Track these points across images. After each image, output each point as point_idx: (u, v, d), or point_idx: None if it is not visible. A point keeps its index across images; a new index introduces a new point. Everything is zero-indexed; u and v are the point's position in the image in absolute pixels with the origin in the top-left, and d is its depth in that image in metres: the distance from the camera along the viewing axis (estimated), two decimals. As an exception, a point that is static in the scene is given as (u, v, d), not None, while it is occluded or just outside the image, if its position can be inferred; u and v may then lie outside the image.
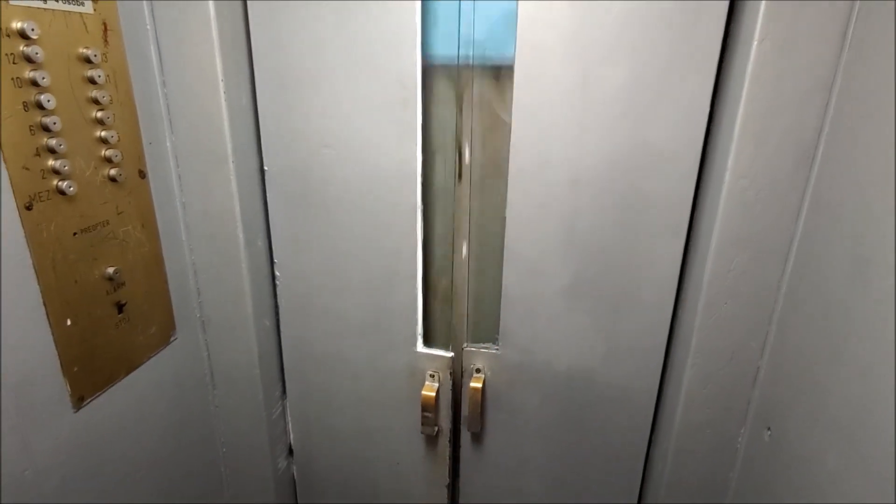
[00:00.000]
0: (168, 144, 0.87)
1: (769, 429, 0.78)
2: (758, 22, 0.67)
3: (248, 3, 0.84)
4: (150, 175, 0.83)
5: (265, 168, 0.93)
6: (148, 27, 0.81)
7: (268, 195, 0.95)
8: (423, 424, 0.97)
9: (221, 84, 0.83)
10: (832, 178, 0.69)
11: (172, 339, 0.91)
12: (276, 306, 1.02)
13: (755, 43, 0.68)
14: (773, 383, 0.80)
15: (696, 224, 0.83)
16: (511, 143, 0.82)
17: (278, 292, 1.01)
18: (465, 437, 1.03)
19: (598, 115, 0.78)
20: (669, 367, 0.92)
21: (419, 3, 0.79)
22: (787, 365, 0.76)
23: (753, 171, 0.74)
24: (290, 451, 1.14)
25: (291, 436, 1.13)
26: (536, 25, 0.76)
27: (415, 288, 0.93)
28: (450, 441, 1.02)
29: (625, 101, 0.77)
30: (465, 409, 0.99)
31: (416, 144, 0.85)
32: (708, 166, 0.80)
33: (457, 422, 1.02)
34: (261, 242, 0.97)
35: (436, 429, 0.99)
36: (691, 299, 0.84)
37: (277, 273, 0.99)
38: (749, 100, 0.71)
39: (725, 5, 0.71)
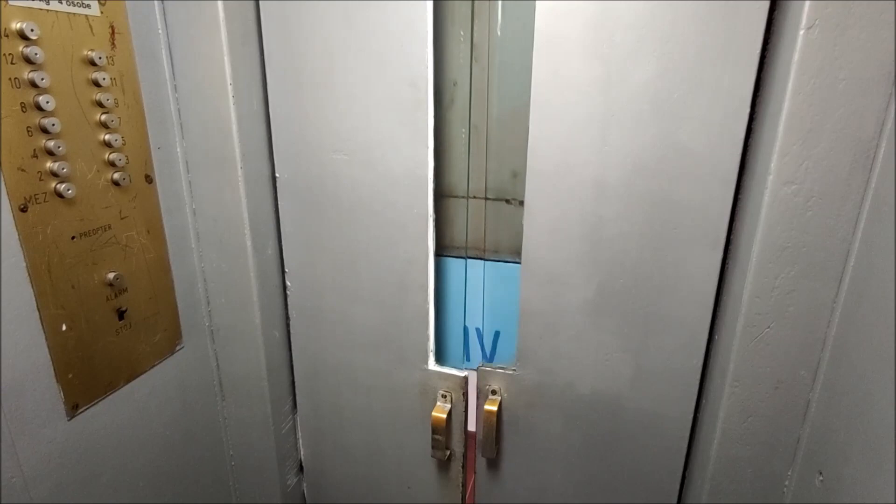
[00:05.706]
0: (178, 149, 0.86)
1: (821, 473, 0.68)
2: (805, 6, 0.59)
3: (261, 4, 0.82)
4: (158, 180, 0.82)
5: (276, 175, 0.90)
6: (160, 31, 0.81)
7: (279, 202, 0.92)
8: (433, 448, 0.91)
9: (230, 87, 0.82)
10: (897, 181, 0.59)
11: (178, 347, 0.89)
12: (287, 316, 0.99)
13: (802, 31, 0.60)
14: (826, 420, 0.69)
15: (736, 235, 0.74)
16: (528, 144, 0.76)
17: (289, 302, 0.98)
18: (480, 462, 0.96)
19: (623, 113, 0.72)
20: (705, 395, 0.82)
21: (430, 2, 0.75)
22: (844, 399, 0.66)
23: (801, 175, 0.65)
24: (301, 468, 1.10)
25: (302, 452, 1.09)
26: (555, 14, 0.70)
27: (426, 301, 0.88)
28: (463, 466, 0.95)
29: (653, 98, 0.70)
30: (479, 433, 0.92)
31: (427, 148, 0.81)
32: (749, 170, 0.71)
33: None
34: (271, 250, 0.94)
35: (447, 452, 0.93)
36: (730, 319, 0.75)
37: (288, 282, 0.96)
38: (795, 94, 0.62)
39: (767, -12, 0.63)
